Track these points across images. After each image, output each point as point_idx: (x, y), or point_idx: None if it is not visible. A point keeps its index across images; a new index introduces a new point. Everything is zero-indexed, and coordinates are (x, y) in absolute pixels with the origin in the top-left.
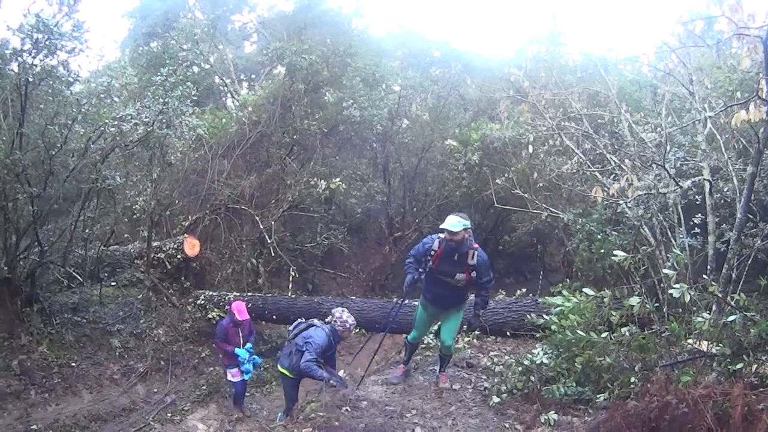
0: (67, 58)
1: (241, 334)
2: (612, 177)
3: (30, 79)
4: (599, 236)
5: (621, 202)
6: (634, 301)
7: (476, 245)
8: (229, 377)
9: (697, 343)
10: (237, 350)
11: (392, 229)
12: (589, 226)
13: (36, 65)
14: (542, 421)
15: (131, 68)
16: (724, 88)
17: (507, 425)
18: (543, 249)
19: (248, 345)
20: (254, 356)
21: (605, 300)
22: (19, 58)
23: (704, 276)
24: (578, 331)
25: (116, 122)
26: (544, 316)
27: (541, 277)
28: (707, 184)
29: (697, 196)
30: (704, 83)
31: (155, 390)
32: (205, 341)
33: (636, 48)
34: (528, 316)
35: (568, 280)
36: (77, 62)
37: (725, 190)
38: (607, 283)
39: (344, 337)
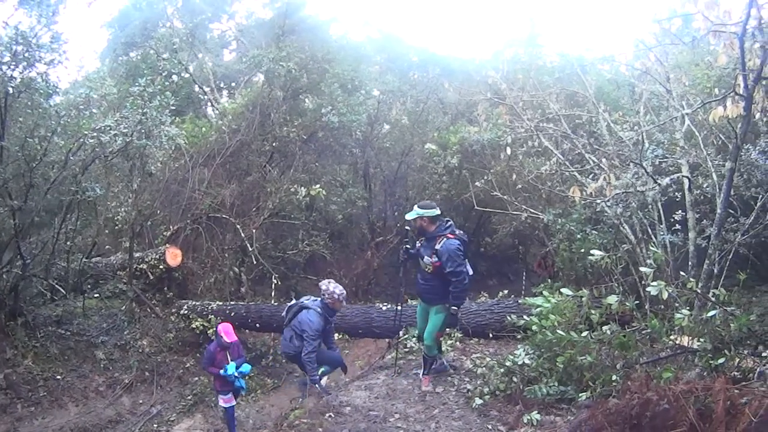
0: (46, 70)
1: (229, 357)
2: (591, 177)
3: (10, 91)
4: (579, 236)
5: (599, 201)
6: (613, 299)
7: (450, 234)
8: (221, 403)
9: (679, 339)
10: (222, 372)
11: (374, 234)
12: (569, 226)
13: (15, 77)
14: (525, 421)
15: (110, 79)
16: (702, 85)
17: (490, 426)
18: (525, 250)
19: (232, 363)
20: (241, 368)
21: (583, 299)
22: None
23: (682, 273)
24: (558, 331)
25: (95, 133)
26: (525, 317)
27: (524, 278)
28: (686, 181)
29: (677, 193)
30: (682, 81)
31: (141, 401)
32: (190, 351)
33: (614, 48)
34: (508, 317)
35: (549, 280)
36: (56, 74)
37: (705, 186)
38: (589, 282)
39: (337, 309)
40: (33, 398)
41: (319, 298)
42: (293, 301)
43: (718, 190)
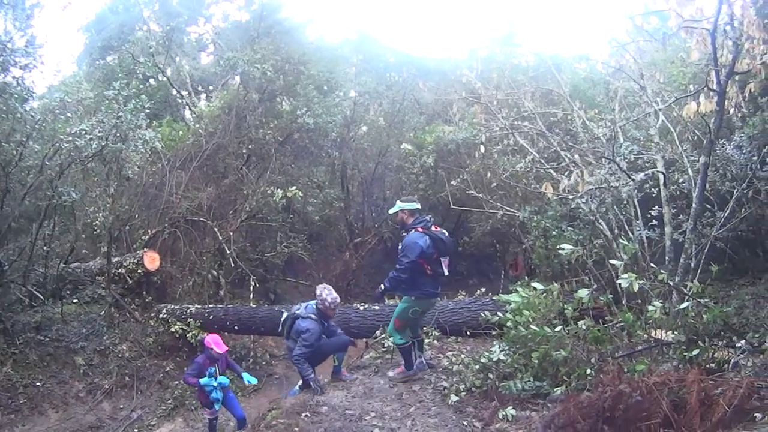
0: (21, 75)
1: (218, 370)
2: (566, 174)
3: None
4: (554, 232)
5: (570, 197)
6: (583, 293)
7: (420, 228)
8: (206, 415)
9: (656, 332)
10: (201, 380)
11: (353, 235)
12: (545, 223)
13: None
14: (500, 417)
15: (87, 83)
16: (678, 81)
17: (465, 423)
18: (503, 249)
19: (210, 369)
20: (219, 379)
21: (554, 293)
22: None
23: (653, 265)
24: (532, 326)
25: (71, 138)
26: (500, 314)
27: (502, 276)
28: (661, 177)
29: (653, 189)
30: (656, 77)
31: (121, 406)
32: (170, 355)
33: (591, 46)
34: (482, 314)
35: (527, 278)
36: (32, 78)
37: (681, 181)
38: (565, 277)
39: (329, 315)
40: (13, 405)
41: (313, 303)
42: (285, 314)
43: (693, 185)
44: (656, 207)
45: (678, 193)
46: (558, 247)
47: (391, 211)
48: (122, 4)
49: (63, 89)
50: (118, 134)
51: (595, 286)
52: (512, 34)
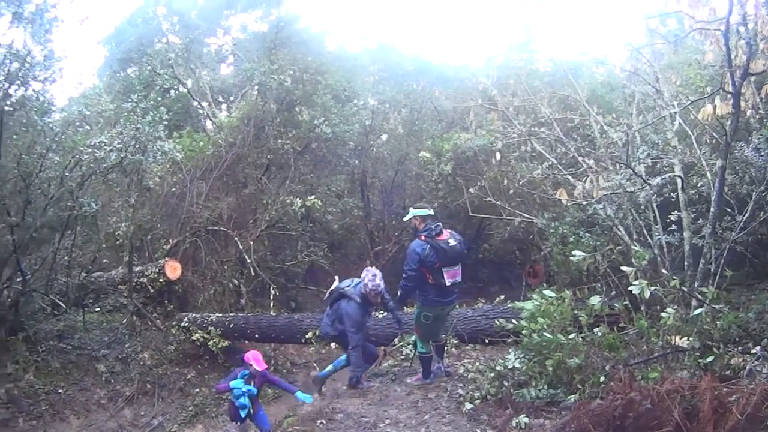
0: (41, 88)
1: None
2: (583, 180)
3: (7, 108)
4: (572, 239)
5: (584, 202)
6: (595, 300)
7: (423, 237)
8: (233, 430)
9: (673, 339)
10: (231, 383)
11: (373, 243)
12: (562, 229)
13: (11, 95)
14: (513, 425)
15: (107, 95)
16: (695, 84)
17: (479, 430)
18: (523, 256)
19: (244, 371)
20: (250, 387)
21: (565, 300)
22: None
23: (664, 271)
24: (546, 334)
25: (91, 149)
26: (513, 320)
27: (524, 284)
28: (679, 181)
29: (672, 194)
30: (672, 80)
31: (142, 413)
32: (191, 363)
33: (609, 50)
34: (497, 321)
35: (545, 284)
36: (52, 91)
37: (699, 185)
38: (584, 284)
39: (372, 301)
40: (35, 412)
41: (360, 283)
42: (335, 284)
43: (712, 188)
44: (675, 211)
45: (697, 197)
46: (569, 254)
47: (405, 219)
48: (141, 16)
49: (83, 101)
50: (137, 146)
51: (614, 292)
52: (529, 40)
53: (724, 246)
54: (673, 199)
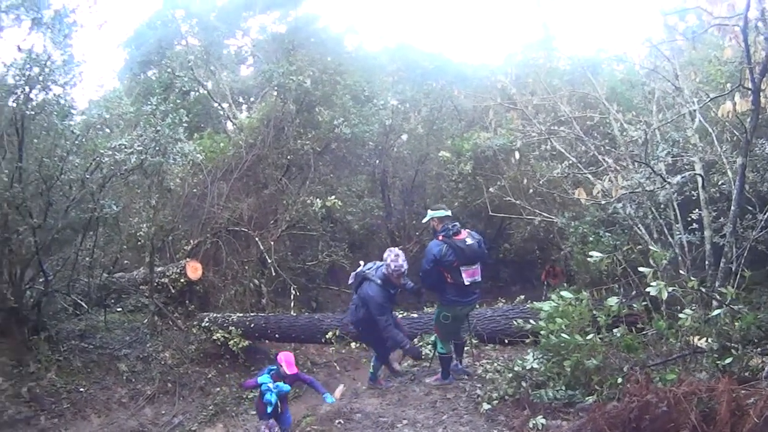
0: (61, 92)
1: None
2: (603, 178)
3: (28, 113)
4: (591, 238)
5: (603, 202)
6: (612, 301)
7: (440, 237)
8: (264, 428)
9: (693, 339)
10: (259, 379)
11: (394, 243)
12: (582, 229)
13: (32, 99)
14: (530, 426)
15: (127, 97)
16: (716, 81)
17: (496, 431)
18: (544, 256)
19: (270, 367)
20: (279, 383)
21: (583, 302)
22: (14, 94)
23: (681, 272)
24: (563, 335)
25: (111, 152)
26: (532, 321)
27: (544, 284)
28: (699, 179)
29: (693, 192)
30: (691, 77)
31: (163, 412)
32: (212, 362)
33: (628, 47)
34: (515, 321)
35: (566, 284)
36: (72, 95)
37: (720, 183)
38: (605, 284)
39: (394, 283)
40: (56, 410)
41: (383, 265)
42: (360, 268)
43: (733, 186)
44: (696, 210)
45: (718, 195)
46: (587, 254)
47: (423, 221)
48: (160, 19)
49: (104, 105)
50: (157, 148)
51: (634, 293)
52: (548, 37)
53: (745, 245)
54: (694, 198)
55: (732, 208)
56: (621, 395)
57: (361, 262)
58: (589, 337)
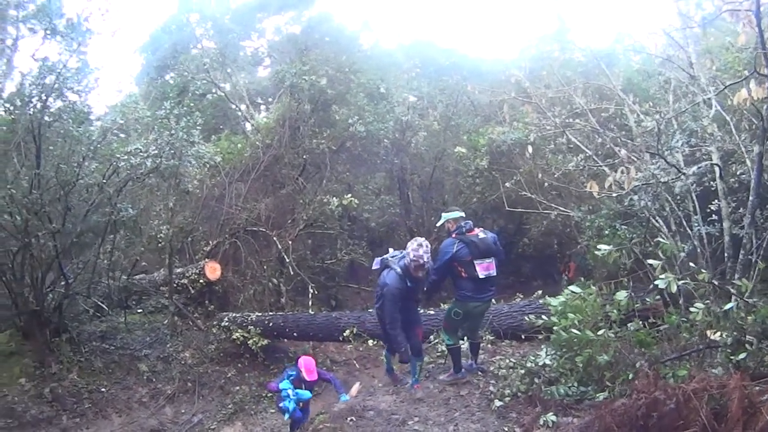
0: (77, 99)
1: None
2: (617, 170)
3: (47, 119)
4: (607, 231)
5: (614, 194)
6: (622, 295)
7: (455, 234)
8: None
9: (711, 334)
10: (281, 385)
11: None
12: (599, 222)
13: (49, 106)
14: (541, 423)
15: (144, 102)
16: (734, 68)
17: (506, 428)
18: (562, 250)
19: (289, 372)
20: (298, 391)
21: (592, 296)
22: (31, 102)
23: (692, 264)
24: (573, 330)
25: (126, 156)
26: (544, 316)
27: (563, 279)
28: (717, 169)
29: (712, 182)
30: (706, 65)
31: (183, 411)
32: (231, 362)
33: (643, 36)
34: (526, 317)
35: (582, 279)
36: (89, 101)
37: (739, 173)
38: (622, 278)
39: (414, 275)
40: (78, 410)
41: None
42: (388, 254)
43: (752, 176)
44: (716, 201)
45: (737, 185)
46: (618, 248)
47: (438, 224)
48: (175, 23)
49: (120, 110)
50: (172, 151)
51: (650, 286)
52: (562, 29)
53: (765, 236)
54: (713, 189)
55: (750, 198)
56: (629, 391)
57: (390, 249)
58: (600, 332)
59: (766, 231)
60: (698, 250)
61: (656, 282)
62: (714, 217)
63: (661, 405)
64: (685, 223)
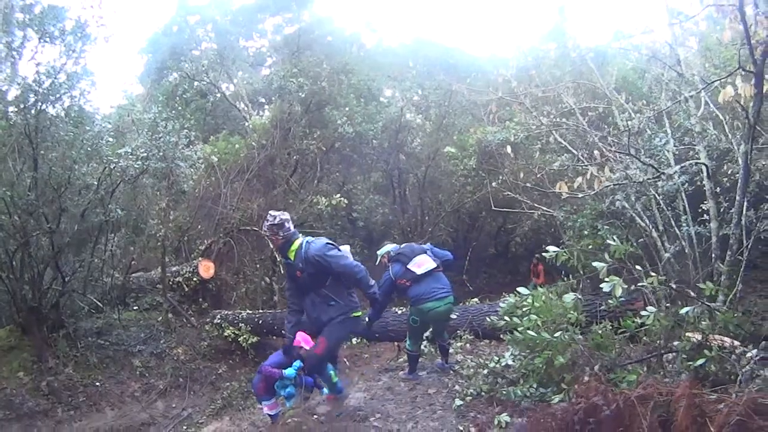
0: (73, 103)
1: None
2: (586, 172)
3: (42, 125)
4: (586, 232)
5: (580, 194)
6: (569, 297)
7: (389, 264)
8: (266, 410)
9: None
10: (286, 371)
11: (407, 239)
12: (580, 222)
13: (46, 110)
14: (496, 423)
15: (142, 104)
16: (732, 65)
17: (462, 428)
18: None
19: (296, 364)
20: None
21: (542, 297)
22: (27, 107)
23: (645, 266)
24: (529, 331)
25: (117, 159)
26: (505, 318)
27: (532, 283)
28: (704, 169)
29: (703, 182)
30: (702, 62)
31: (173, 405)
32: (222, 358)
33: (637, 34)
34: (488, 318)
35: (564, 279)
36: (86, 104)
37: (730, 172)
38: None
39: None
40: (73, 403)
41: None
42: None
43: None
44: (705, 201)
45: (729, 185)
46: (604, 247)
47: (376, 263)
48: (177, 25)
49: (118, 112)
50: (160, 154)
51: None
52: (560, 27)
53: (753, 237)
54: (703, 188)
55: (737, 198)
56: (570, 396)
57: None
58: (557, 334)
59: (759, 232)
60: (686, 251)
61: (601, 285)
62: (705, 217)
63: (599, 411)
64: (674, 223)
